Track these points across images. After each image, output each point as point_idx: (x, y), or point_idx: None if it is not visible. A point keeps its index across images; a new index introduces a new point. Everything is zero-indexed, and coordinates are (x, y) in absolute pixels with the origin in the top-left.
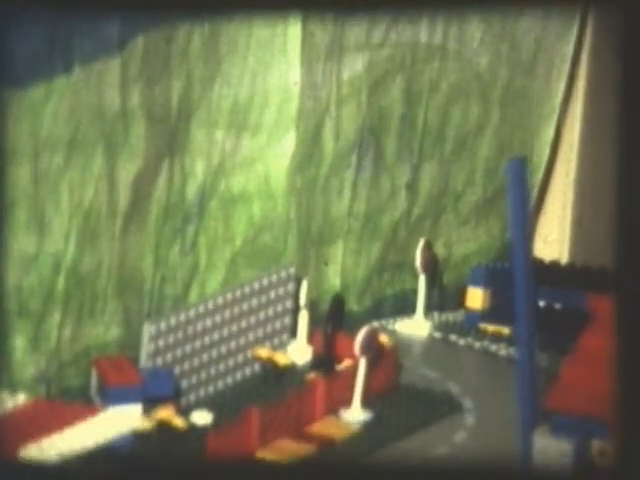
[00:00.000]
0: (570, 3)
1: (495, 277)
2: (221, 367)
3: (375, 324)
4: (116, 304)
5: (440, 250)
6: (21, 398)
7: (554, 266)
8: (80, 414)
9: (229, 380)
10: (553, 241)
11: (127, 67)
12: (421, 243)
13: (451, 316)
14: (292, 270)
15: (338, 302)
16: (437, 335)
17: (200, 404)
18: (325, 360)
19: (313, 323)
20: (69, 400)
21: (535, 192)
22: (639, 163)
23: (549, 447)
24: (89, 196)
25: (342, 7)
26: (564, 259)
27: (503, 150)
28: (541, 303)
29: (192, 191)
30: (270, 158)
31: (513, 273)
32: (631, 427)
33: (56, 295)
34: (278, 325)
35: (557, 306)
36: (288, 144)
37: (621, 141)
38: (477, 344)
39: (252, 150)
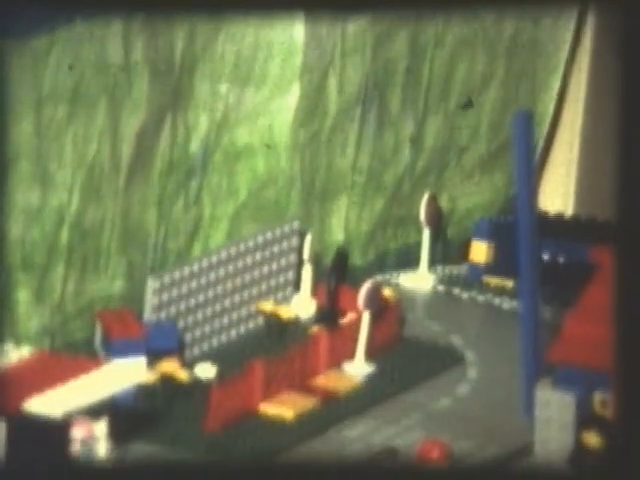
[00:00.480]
0: None
1: (499, 231)
2: (225, 321)
3: (379, 278)
4: (120, 258)
5: (444, 204)
6: (25, 351)
7: (559, 219)
8: (84, 367)
9: (233, 334)
10: (557, 194)
11: (130, 19)
12: (425, 197)
13: (455, 270)
14: (296, 224)
15: (342, 256)
16: (440, 288)
17: (204, 357)
18: (329, 314)
19: (317, 277)
20: (73, 353)
21: (540, 145)
22: None
23: (551, 400)
24: (92, 149)
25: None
26: (569, 212)
27: (508, 103)
28: (545, 256)
29: (196, 145)
30: (274, 112)
31: (517, 226)
32: (631, 378)
33: (60, 249)
34: (282, 279)
35: (561, 259)
36: (292, 98)
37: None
38: (480, 297)
39: (256, 104)
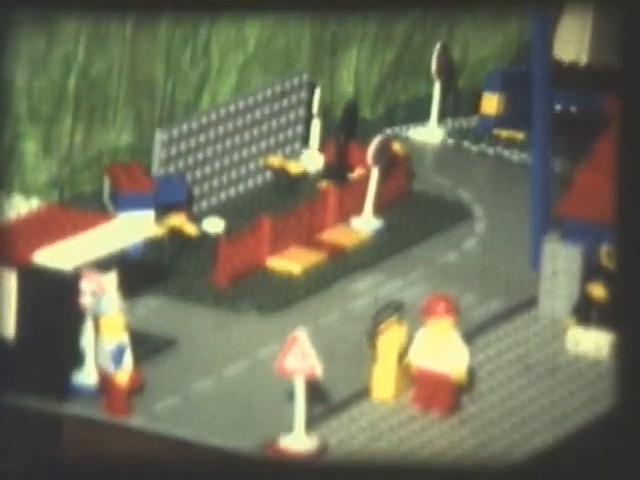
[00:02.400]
0: None
1: (511, 82)
2: (233, 175)
3: (388, 131)
4: (128, 110)
5: (456, 54)
6: (34, 203)
7: (573, 67)
8: (93, 220)
9: (241, 188)
10: (572, 42)
11: None
12: (437, 48)
13: (465, 122)
14: (305, 76)
15: (351, 110)
16: (450, 142)
17: (212, 212)
18: (337, 169)
19: (325, 131)
20: (82, 206)
21: None
22: None
23: (559, 252)
24: None
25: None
26: (583, 60)
27: None
28: (557, 106)
29: None
30: None
31: (531, 76)
32: (634, 231)
33: (67, 99)
34: (290, 133)
35: (574, 109)
36: None
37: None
38: (490, 150)
39: None
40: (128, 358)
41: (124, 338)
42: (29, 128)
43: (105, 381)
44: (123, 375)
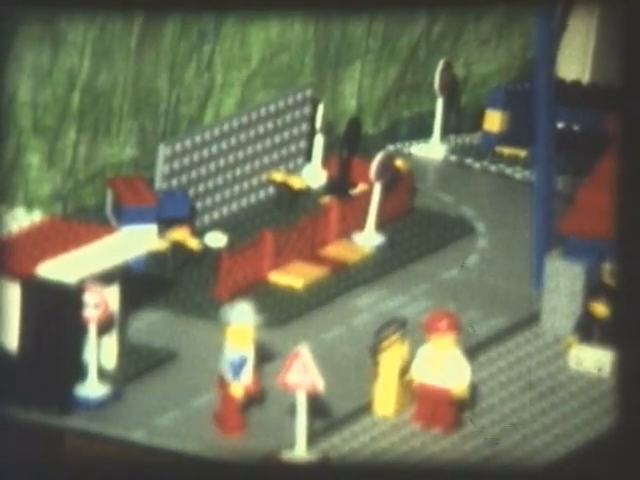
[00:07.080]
0: None
1: (514, 99)
2: (236, 190)
3: (391, 147)
4: (131, 123)
5: (459, 70)
6: (36, 216)
7: (575, 85)
8: (96, 233)
9: (244, 203)
10: (575, 60)
11: None
12: (441, 64)
13: (468, 139)
14: (309, 92)
15: (354, 125)
16: (453, 158)
17: (215, 226)
18: (340, 184)
19: (328, 147)
20: (85, 219)
21: (560, 8)
22: None
23: (561, 270)
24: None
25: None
26: (586, 79)
27: None
28: (560, 124)
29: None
30: None
31: (534, 93)
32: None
33: (71, 112)
34: (293, 148)
35: (576, 127)
36: None
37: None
38: (493, 167)
39: None
40: (249, 371)
41: (249, 350)
42: (33, 141)
43: (221, 390)
44: (239, 387)
